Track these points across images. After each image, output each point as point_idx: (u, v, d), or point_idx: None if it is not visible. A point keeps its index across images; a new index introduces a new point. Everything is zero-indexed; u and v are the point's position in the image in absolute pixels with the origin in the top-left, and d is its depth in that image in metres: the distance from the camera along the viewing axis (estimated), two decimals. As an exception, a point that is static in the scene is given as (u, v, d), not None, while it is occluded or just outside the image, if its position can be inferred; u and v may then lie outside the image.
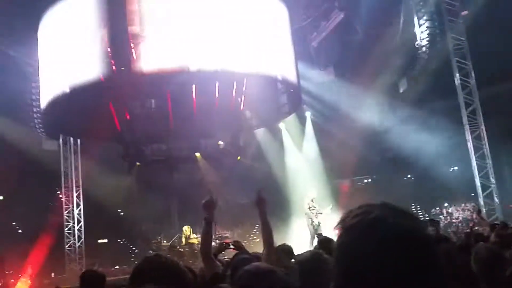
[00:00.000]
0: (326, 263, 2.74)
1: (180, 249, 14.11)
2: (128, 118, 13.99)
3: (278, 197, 16.54)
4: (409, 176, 18.41)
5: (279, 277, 2.25)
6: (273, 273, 2.25)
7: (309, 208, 13.09)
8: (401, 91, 15.89)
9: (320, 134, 17.98)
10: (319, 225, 12.78)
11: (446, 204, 17.85)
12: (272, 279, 2.21)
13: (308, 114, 18.29)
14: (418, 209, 17.54)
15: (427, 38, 14.90)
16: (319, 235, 6.93)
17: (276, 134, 18.40)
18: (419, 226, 1.06)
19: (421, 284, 0.99)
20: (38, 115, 15.91)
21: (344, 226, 1.08)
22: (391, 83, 15.99)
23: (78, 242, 16.47)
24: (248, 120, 16.92)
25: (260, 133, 18.02)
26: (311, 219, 12.87)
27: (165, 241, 15.19)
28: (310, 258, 3.12)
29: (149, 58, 12.61)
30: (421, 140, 16.31)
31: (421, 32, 14.96)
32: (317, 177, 17.33)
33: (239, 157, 16.97)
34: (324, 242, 6.17)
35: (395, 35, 15.04)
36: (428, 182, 17.44)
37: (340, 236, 1.08)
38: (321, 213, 12.92)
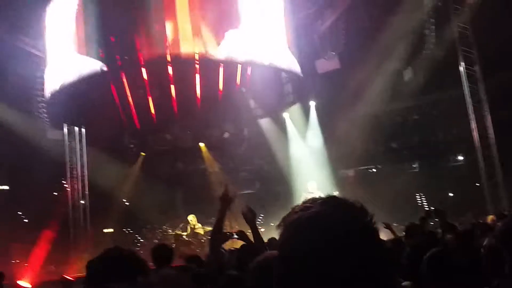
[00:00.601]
0: None
1: (186, 238, 14.15)
2: (132, 107, 14.00)
3: (281, 187, 16.55)
4: (414, 166, 18.33)
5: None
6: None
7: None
8: (406, 79, 15.78)
9: (325, 123, 17.91)
10: None
11: (450, 194, 17.78)
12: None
13: (312, 104, 18.20)
14: (423, 199, 17.48)
15: (433, 27, 14.78)
16: None
17: (280, 124, 18.34)
18: (361, 219, 1.05)
19: (358, 275, 0.98)
20: (44, 104, 15.93)
21: (284, 223, 1.08)
22: (396, 72, 15.88)
23: (84, 231, 16.55)
24: (252, 110, 16.91)
25: (264, 123, 17.97)
26: None
27: (170, 230, 15.22)
28: None
29: (152, 47, 12.59)
30: (427, 129, 16.24)
31: (427, 20, 14.84)
32: (321, 167, 17.32)
33: (243, 148, 16.98)
34: None
35: (401, 23, 14.90)
36: (433, 173, 17.38)
37: (280, 233, 1.08)
38: None
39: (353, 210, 1.07)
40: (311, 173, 16.69)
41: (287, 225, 1.08)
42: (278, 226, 1.10)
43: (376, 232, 1.07)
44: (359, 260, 0.99)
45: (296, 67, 14.52)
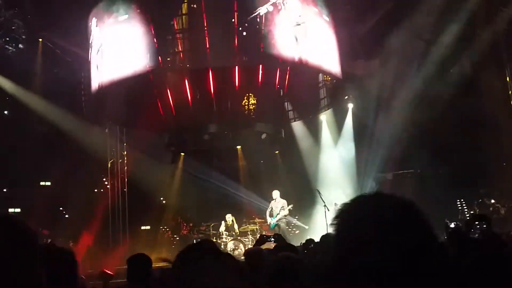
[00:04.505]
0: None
1: (228, 236, 14.22)
2: (172, 108, 14.23)
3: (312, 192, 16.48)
4: (454, 171, 17.87)
5: (304, 266, 2.30)
6: (298, 262, 2.29)
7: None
8: (447, 84, 15.43)
9: (362, 126, 17.70)
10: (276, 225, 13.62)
11: (493, 201, 17.25)
12: (297, 268, 2.25)
13: (350, 106, 18.06)
14: (464, 205, 17.01)
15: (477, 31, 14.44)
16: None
17: (315, 126, 18.28)
18: (411, 206, 1.11)
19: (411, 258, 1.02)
20: (87, 103, 16.40)
21: (340, 210, 1.16)
22: (439, 75, 15.54)
23: (123, 228, 16.91)
24: (288, 112, 16.90)
25: (299, 124, 17.94)
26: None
27: (211, 229, 15.24)
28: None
29: (192, 52, 12.79)
30: (469, 134, 15.79)
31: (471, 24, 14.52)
32: (351, 174, 17.24)
33: (277, 151, 16.98)
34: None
35: (444, 27, 14.58)
36: (474, 178, 16.89)
37: (337, 218, 1.15)
38: (278, 213, 13.57)
39: (404, 200, 1.12)
40: (340, 178, 16.67)
41: (342, 211, 1.15)
42: (335, 218, 1.16)
43: (428, 222, 1.12)
44: (413, 247, 1.04)
45: (335, 70, 14.42)
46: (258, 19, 12.58)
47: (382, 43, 15.65)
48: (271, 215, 13.76)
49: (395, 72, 15.59)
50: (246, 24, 12.59)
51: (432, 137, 16.45)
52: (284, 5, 12.95)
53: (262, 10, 12.67)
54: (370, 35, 16.12)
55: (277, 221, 13.54)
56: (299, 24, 13.17)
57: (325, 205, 12.10)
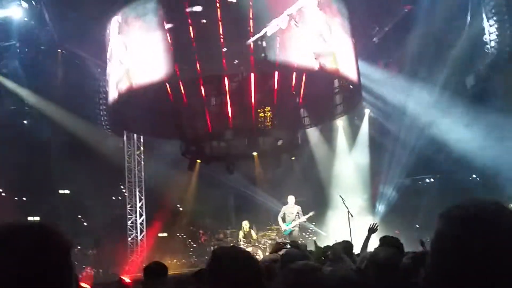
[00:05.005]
0: None
1: (247, 243, 14.15)
2: (189, 115, 14.28)
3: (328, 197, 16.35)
4: (474, 176, 17.60)
5: (323, 274, 2.25)
6: (318, 271, 2.25)
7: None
8: (468, 87, 15.20)
9: (380, 131, 17.56)
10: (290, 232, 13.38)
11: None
12: (317, 277, 2.21)
13: (367, 112, 17.92)
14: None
15: (496, 33, 14.18)
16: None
17: (331, 132, 18.20)
18: None
19: None
20: (105, 112, 16.58)
21: (448, 217, 1.13)
22: (458, 79, 15.33)
23: (140, 235, 17.00)
24: (304, 118, 16.84)
25: (314, 130, 17.87)
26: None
27: (229, 237, 15.18)
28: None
29: (207, 60, 12.79)
30: (490, 139, 15.55)
31: (490, 26, 14.27)
32: (367, 177, 17.07)
33: (293, 157, 16.89)
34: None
35: (462, 29, 14.39)
36: (496, 183, 16.60)
37: (443, 226, 1.13)
38: (293, 219, 13.34)
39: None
40: (355, 184, 16.51)
41: (451, 219, 1.13)
42: (439, 219, 1.14)
43: None
44: None
45: (352, 75, 14.28)
46: (269, 37, 12.50)
47: (400, 48, 15.52)
48: (284, 221, 13.64)
49: (413, 76, 15.44)
50: (259, 42, 12.50)
51: (449, 142, 16.26)
52: (300, 19, 12.81)
53: (269, 30, 12.54)
54: (388, 39, 15.99)
55: (292, 227, 13.45)
56: (325, 42, 13.06)
57: (348, 211, 11.96)
